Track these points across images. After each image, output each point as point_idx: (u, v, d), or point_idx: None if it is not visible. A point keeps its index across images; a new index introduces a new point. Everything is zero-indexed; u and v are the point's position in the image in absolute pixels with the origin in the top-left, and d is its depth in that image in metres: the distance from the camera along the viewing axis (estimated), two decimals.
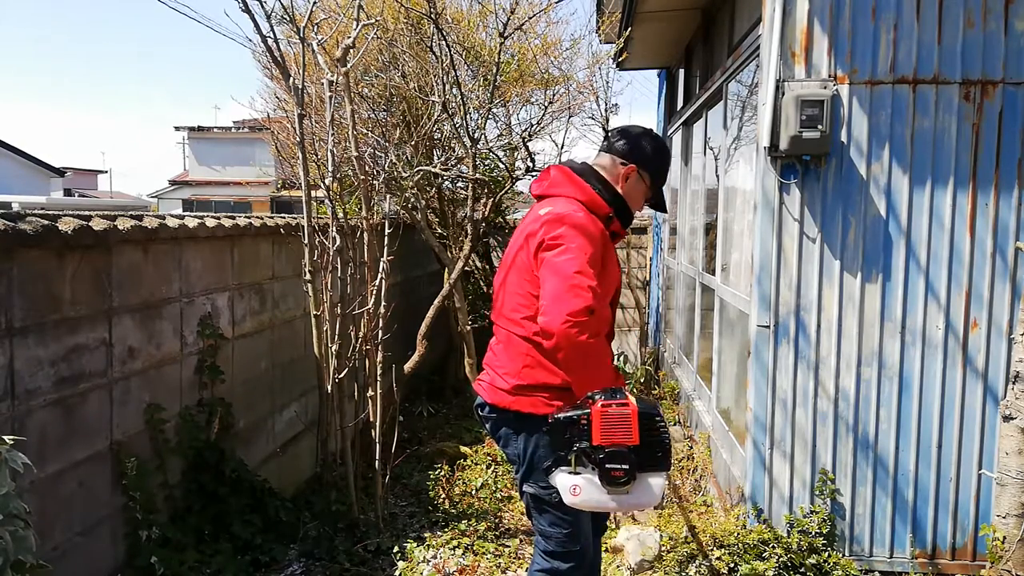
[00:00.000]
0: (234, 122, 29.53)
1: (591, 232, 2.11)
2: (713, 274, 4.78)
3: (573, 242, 2.06)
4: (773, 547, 3.14)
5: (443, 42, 4.49)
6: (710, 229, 5.19)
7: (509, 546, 3.67)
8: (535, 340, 2.12)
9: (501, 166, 6.25)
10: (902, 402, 3.28)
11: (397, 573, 3.33)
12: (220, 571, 2.97)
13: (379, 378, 3.79)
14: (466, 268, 6.11)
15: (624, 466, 1.89)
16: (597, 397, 1.96)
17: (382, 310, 3.76)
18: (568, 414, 1.98)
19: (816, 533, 3.21)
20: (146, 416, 2.85)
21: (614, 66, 6.86)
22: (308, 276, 3.47)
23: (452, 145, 5.76)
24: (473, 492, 4.38)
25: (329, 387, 3.57)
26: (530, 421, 2.18)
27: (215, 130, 30.51)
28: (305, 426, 4.29)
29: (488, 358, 2.38)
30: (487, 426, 2.36)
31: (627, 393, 1.99)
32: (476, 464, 4.83)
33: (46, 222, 2.27)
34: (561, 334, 1.96)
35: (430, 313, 5.38)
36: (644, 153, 2.30)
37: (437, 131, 5.56)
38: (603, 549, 3.38)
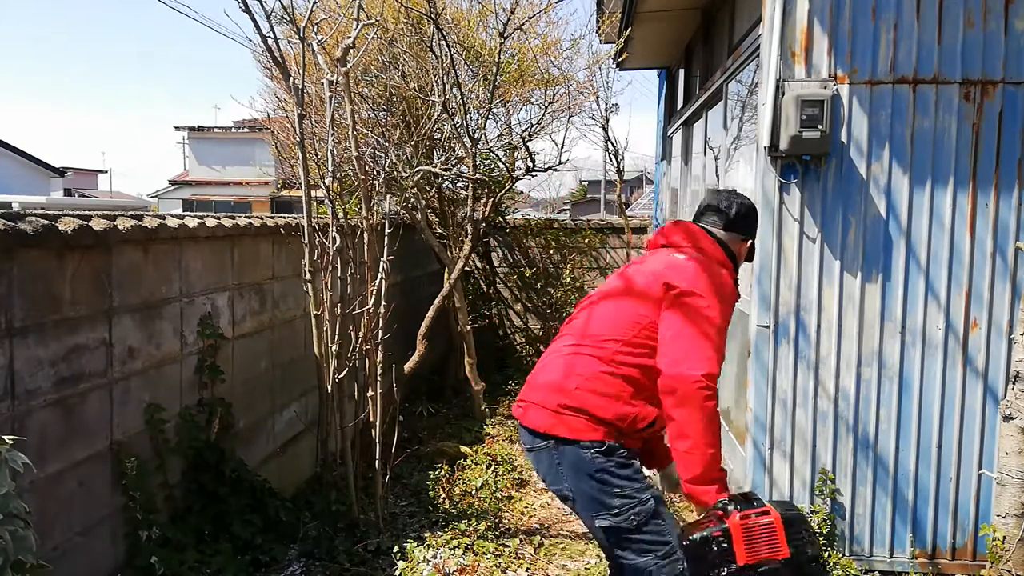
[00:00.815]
0: (234, 122, 29.55)
1: (729, 296, 2.14)
2: None
3: (716, 303, 2.06)
4: None
5: (443, 42, 4.49)
6: None
7: (509, 546, 3.67)
8: (627, 374, 2.09)
9: (501, 166, 6.25)
10: (902, 402, 3.28)
11: (397, 573, 3.33)
12: (220, 571, 2.97)
13: (379, 378, 3.79)
14: (466, 268, 6.12)
15: None
16: (730, 508, 1.78)
17: (382, 310, 3.76)
18: (702, 533, 1.79)
19: (816, 533, 3.21)
20: (146, 416, 2.85)
21: (614, 66, 6.87)
22: (308, 276, 3.47)
23: (452, 145, 5.76)
24: (473, 492, 4.38)
25: (329, 387, 3.57)
26: (578, 446, 2.07)
27: (215, 130, 30.51)
28: (305, 426, 4.29)
29: (541, 379, 2.24)
30: (532, 459, 2.20)
31: (760, 498, 1.86)
32: (476, 464, 4.83)
33: (46, 222, 2.27)
34: (690, 392, 1.93)
35: (430, 313, 5.38)
36: (755, 225, 2.47)
37: (437, 131, 5.56)
38: None
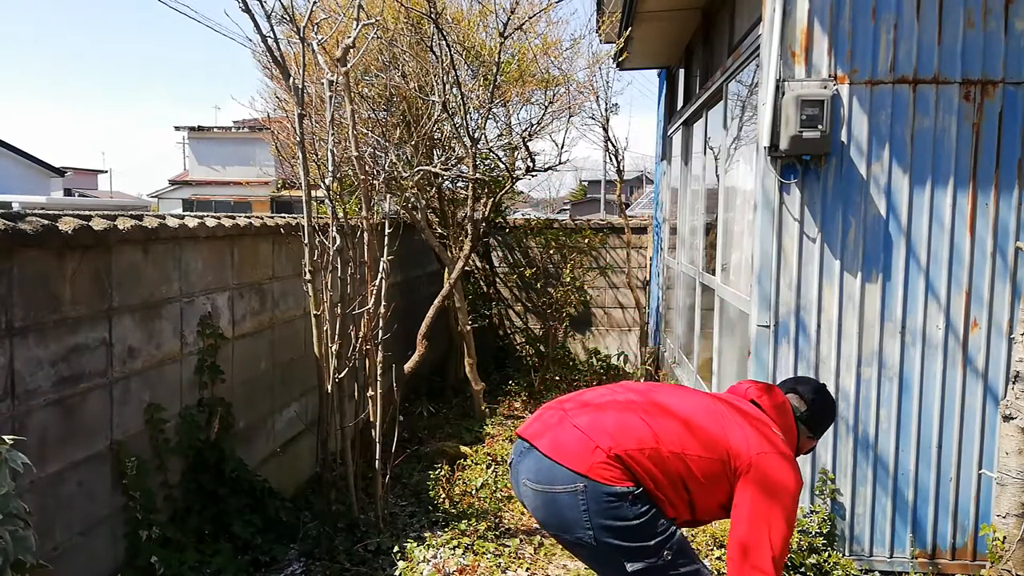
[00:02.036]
0: (234, 122, 29.54)
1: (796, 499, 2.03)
2: (713, 274, 4.78)
3: (790, 509, 1.97)
4: None
5: (443, 42, 4.49)
6: (710, 229, 5.19)
7: (509, 546, 3.67)
8: (690, 491, 1.99)
9: (501, 166, 6.25)
10: (902, 402, 3.28)
11: (397, 573, 3.33)
12: (220, 571, 2.97)
13: (379, 378, 3.79)
14: (466, 268, 6.11)
15: None
16: None
17: (382, 310, 3.76)
18: None
19: (816, 533, 3.21)
20: (146, 416, 2.85)
21: (614, 66, 6.86)
22: (308, 276, 3.47)
23: (452, 145, 5.76)
24: (473, 492, 4.38)
25: (329, 387, 3.57)
26: (606, 492, 1.91)
27: (215, 130, 30.50)
28: (305, 426, 4.29)
29: (588, 419, 2.01)
30: (537, 503, 1.98)
31: None
32: (476, 464, 4.83)
33: (46, 222, 2.27)
34: None
35: (430, 313, 5.38)
36: (826, 427, 2.37)
37: (437, 131, 5.55)
38: None
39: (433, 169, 5.12)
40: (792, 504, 1.97)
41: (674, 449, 1.96)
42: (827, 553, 3.17)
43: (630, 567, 1.91)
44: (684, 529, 2.19)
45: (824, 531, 3.23)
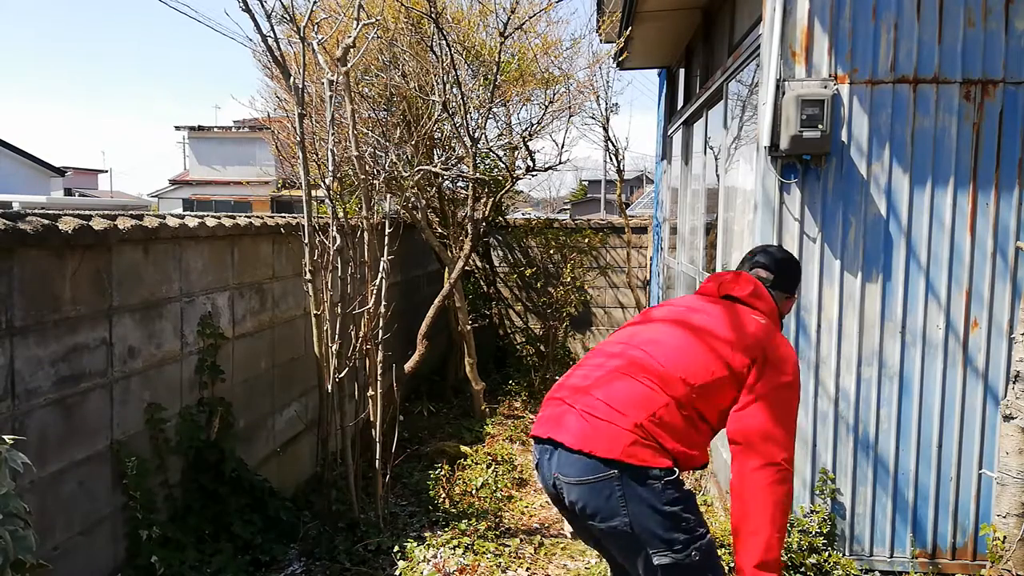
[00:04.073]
0: (234, 121, 29.55)
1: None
2: None
3: (797, 386, 2.06)
4: None
5: (443, 42, 4.49)
6: (710, 229, 5.19)
7: (509, 546, 3.67)
8: (682, 408, 1.98)
9: (501, 166, 6.25)
10: (902, 402, 3.28)
11: (397, 572, 3.33)
12: (220, 571, 2.97)
13: (379, 377, 3.79)
14: (466, 268, 6.11)
15: None
16: None
17: (382, 310, 3.76)
18: None
19: (816, 533, 3.21)
20: (146, 416, 2.85)
21: (614, 66, 6.86)
22: (308, 276, 3.47)
23: (452, 145, 5.76)
24: (473, 492, 4.38)
25: (329, 386, 3.57)
26: (647, 473, 1.90)
27: (215, 129, 30.51)
28: (305, 425, 4.29)
29: (594, 387, 2.01)
30: (578, 501, 1.94)
31: None
32: (476, 464, 4.83)
33: (46, 222, 2.27)
34: (771, 474, 1.94)
35: (430, 313, 5.38)
36: (799, 281, 2.43)
37: (437, 131, 5.56)
38: None
39: (433, 169, 5.12)
40: (797, 386, 2.05)
41: (680, 393, 1.97)
42: (827, 553, 3.17)
43: (656, 559, 1.90)
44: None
45: (824, 531, 3.23)
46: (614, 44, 6.06)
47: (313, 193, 3.53)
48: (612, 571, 2.28)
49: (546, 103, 5.55)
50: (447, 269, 5.69)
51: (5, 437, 1.71)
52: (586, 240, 8.16)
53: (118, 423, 2.68)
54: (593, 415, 1.95)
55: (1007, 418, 3.10)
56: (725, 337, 2.05)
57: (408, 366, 5.29)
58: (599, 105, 7.99)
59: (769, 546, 1.92)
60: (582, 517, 1.97)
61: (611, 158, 8.41)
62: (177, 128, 30.86)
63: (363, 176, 3.75)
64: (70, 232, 2.33)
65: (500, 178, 6.42)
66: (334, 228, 3.56)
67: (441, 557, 3.42)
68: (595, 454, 1.89)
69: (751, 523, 1.95)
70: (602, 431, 1.91)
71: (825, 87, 3.13)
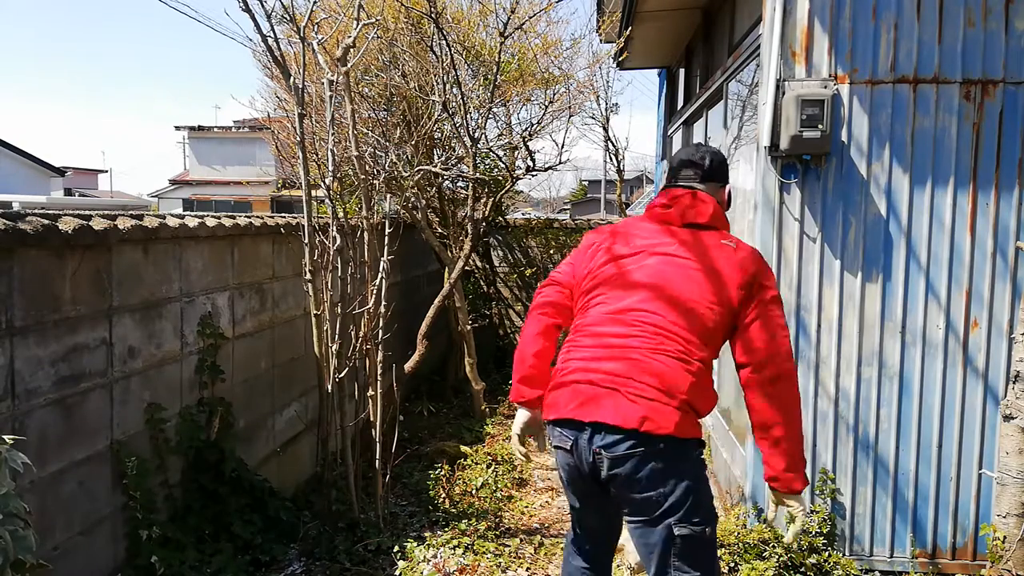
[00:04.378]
0: (234, 121, 29.56)
1: None
2: None
3: (779, 295, 2.15)
4: (773, 547, 3.14)
5: (443, 42, 4.49)
6: None
7: (509, 545, 3.67)
8: (708, 363, 2.07)
9: (501, 166, 6.25)
10: (902, 402, 3.28)
11: (397, 572, 3.33)
12: (220, 571, 2.97)
13: (379, 377, 3.79)
14: (466, 268, 6.11)
15: None
16: None
17: (382, 309, 3.76)
18: None
19: (816, 533, 3.21)
20: (146, 416, 2.85)
21: (614, 66, 6.86)
22: (308, 276, 3.47)
23: (452, 144, 5.76)
24: (473, 492, 4.38)
25: (329, 386, 3.57)
26: (689, 447, 1.99)
27: (215, 129, 30.52)
28: (305, 425, 4.29)
29: (623, 368, 2.01)
30: (619, 469, 1.96)
31: None
32: (476, 464, 4.83)
33: (46, 221, 2.27)
34: (790, 387, 2.07)
35: (430, 313, 5.37)
36: (728, 169, 2.40)
37: (437, 131, 5.55)
38: None
39: (433, 169, 5.12)
40: (779, 295, 2.16)
41: (703, 355, 2.04)
42: (827, 553, 3.17)
43: (678, 530, 1.95)
44: None
45: (824, 531, 3.23)
46: (614, 44, 6.07)
47: (313, 193, 3.53)
48: (592, 549, 2.29)
49: (546, 103, 5.55)
50: (447, 269, 5.69)
51: (5, 437, 1.71)
52: None
53: (118, 423, 2.68)
54: (642, 396, 1.97)
55: (1007, 418, 3.10)
56: (725, 282, 2.09)
57: (408, 366, 5.29)
58: (599, 105, 8.01)
59: (802, 448, 2.08)
60: (621, 486, 1.99)
61: (611, 158, 8.42)
62: (177, 128, 30.90)
63: (363, 176, 3.75)
64: (70, 232, 2.33)
65: (500, 178, 6.42)
66: (334, 228, 3.56)
67: (441, 557, 3.42)
68: (649, 431, 1.94)
69: (789, 431, 2.05)
70: (655, 410, 1.95)
71: (825, 87, 3.13)
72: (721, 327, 2.08)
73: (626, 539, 3.56)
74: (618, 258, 2.19)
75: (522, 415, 2.25)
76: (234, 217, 3.51)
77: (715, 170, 2.31)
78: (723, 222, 2.26)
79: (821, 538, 3.20)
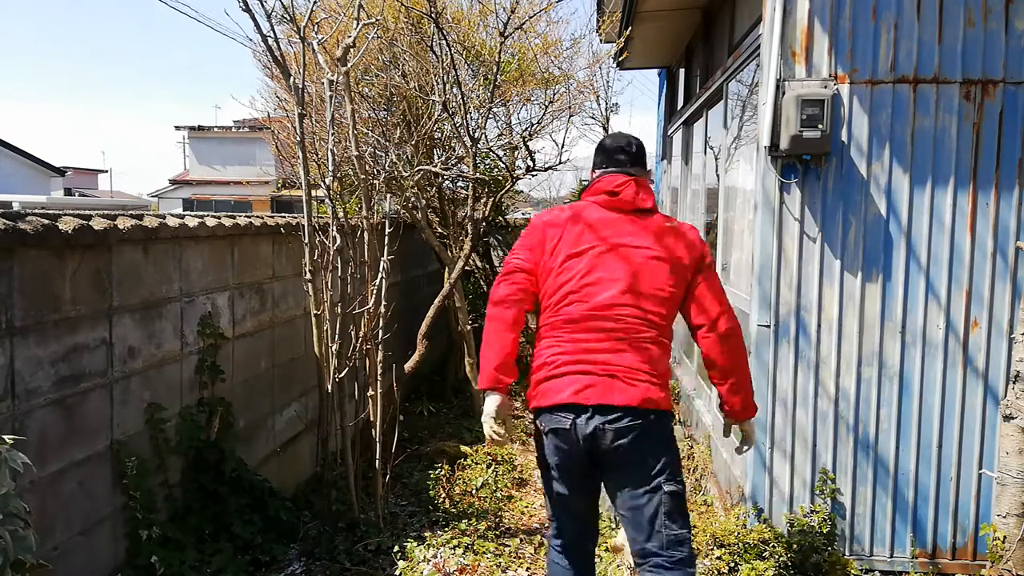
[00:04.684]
0: (234, 121, 29.56)
1: None
2: None
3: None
4: (773, 546, 3.14)
5: (443, 42, 4.49)
6: (710, 229, 5.19)
7: (509, 545, 3.67)
8: (668, 339, 2.40)
9: (501, 165, 6.25)
10: (902, 402, 3.28)
11: (397, 572, 3.34)
12: (220, 570, 2.97)
13: (379, 377, 3.79)
14: (466, 267, 6.11)
15: None
16: None
17: (382, 309, 3.76)
18: None
19: (816, 532, 3.21)
20: (146, 416, 2.85)
21: (614, 65, 6.87)
22: (308, 275, 3.47)
23: (452, 144, 5.76)
24: (473, 492, 4.38)
25: (329, 386, 3.57)
26: (669, 417, 2.37)
27: (215, 129, 30.51)
28: (305, 425, 4.30)
29: (616, 359, 2.29)
30: (623, 439, 2.24)
31: None
32: (476, 464, 4.83)
33: (46, 221, 2.27)
34: (739, 338, 2.43)
35: (430, 313, 5.37)
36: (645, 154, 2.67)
37: (437, 130, 5.55)
38: (603, 549, 3.38)
39: (433, 169, 5.12)
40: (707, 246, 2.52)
41: (669, 336, 2.41)
42: (827, 552, 3.17)
43: (667, 487, 2.25)
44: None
45: (824, 531, 3.23)
46: (614, 44, 6.07)
47: (313, 193, 3.53)
48: (577, 538, 2.49)
49: (546, 103, 5.55)
50: (447, 269, 5.69)
51: (5, 437, 1.71)
52: None
53: (118, 423, 2.68)
54: (638, 380, 2.27)
55: (1007, 418, 3.10)
56: (682, 263, 2.39)
57: (408, 366, 5.29)
58: (599, 105, 8.01)
59: (751, 385, 2.52)
60: (622, 455, 2.25)
61: None
62: (177, 128, 30.89)
63: (363, 176, 3.75)
64: (70, 232, 2.33)
65: (500, 178, 6.42)
66: (334, 228, 3.56)
67: (441, 557, 3.42)
68: (645, 408, 2.25)
69: (742, 375, 2.46)
70: (651, 391, 2.28)
71: (825, 87, 3.13)
72: (679, 301, 2.40)
73: (626, 539, 3.55)
74: (584, 252, 2.39)
75: (494, 400, 2.39)
76: (234, 217, 3.51)
77: (642, 155, 2.57)
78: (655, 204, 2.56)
79: (821, 538, 3.20)
